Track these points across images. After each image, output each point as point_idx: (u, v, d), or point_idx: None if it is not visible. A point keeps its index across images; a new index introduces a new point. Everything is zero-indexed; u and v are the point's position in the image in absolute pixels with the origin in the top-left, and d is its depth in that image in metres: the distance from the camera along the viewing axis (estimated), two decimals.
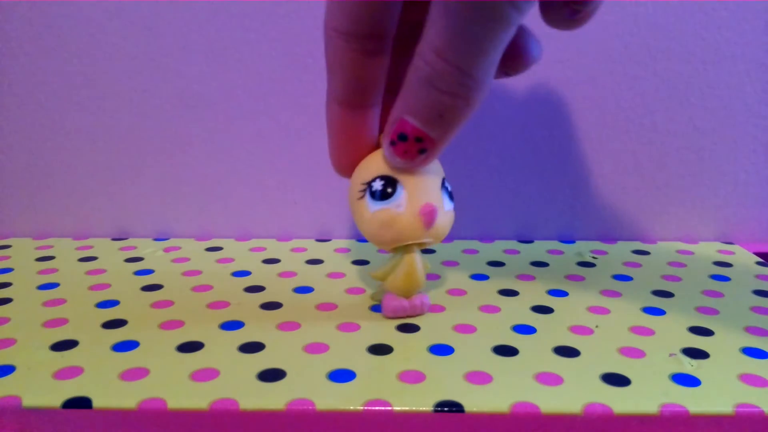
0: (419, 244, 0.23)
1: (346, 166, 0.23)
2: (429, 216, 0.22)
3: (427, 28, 0.18)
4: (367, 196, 0.22)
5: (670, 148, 0.33)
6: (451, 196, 0.23)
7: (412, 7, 0.21)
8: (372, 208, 0.22)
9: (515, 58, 0.21)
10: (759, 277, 0.29)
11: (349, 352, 0.22)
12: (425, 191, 0.22)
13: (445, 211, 0.22)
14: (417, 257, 0.23)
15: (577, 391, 0.19)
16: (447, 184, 0.23)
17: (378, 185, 0.22)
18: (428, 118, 0.20)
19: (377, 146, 0.23)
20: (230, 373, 0.20)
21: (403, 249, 0.23)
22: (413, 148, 0.20)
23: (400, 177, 0.22)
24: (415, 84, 0.19)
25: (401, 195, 0.22)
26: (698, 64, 0.32)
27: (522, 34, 0.21)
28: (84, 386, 0.19)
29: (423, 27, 0.19)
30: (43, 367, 0.20)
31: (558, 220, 0.35)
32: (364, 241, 0.34)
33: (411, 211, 0.22)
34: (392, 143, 0.21)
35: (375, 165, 0.22)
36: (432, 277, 0.29)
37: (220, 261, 0.31)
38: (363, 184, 0.22)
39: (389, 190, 0.22)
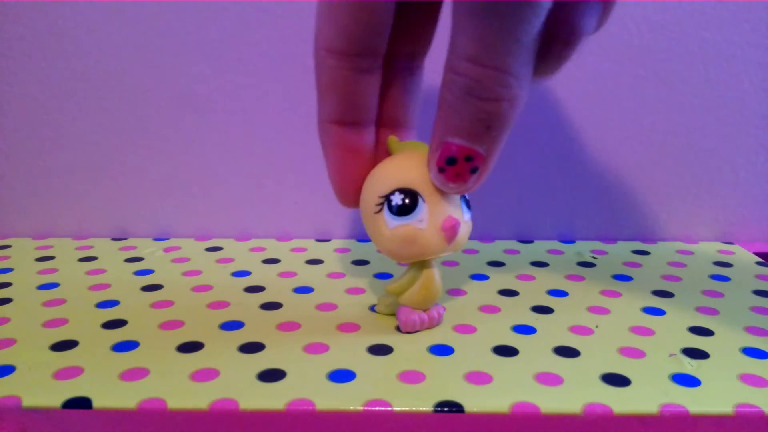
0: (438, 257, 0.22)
1: (347, 189, 0.22)
2: (452, 231, 0.21)
3: (453, 40, 0.18)
4: (385, 210, 0.21)
5: (670, 148, 0.33)
6: (468, 204, 0.22)
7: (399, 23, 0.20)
8: (391, 223, 0.21)
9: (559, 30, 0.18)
10: (759, 277, 0.29)
11: (349, 352, 0.22)
12: (447, 204, 0.21)
13: (465, 222, 0.21)
14: (436, 270, 0.22)
15: (577, 391, 0.19)
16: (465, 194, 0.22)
17: (397, 199, 0.20)
18: (475, 134, 0.18)
19: (376, 163, 0.22)
20: (230, 374, 0.20)
21: (421, 262, 0.22)
22: (465, 169, 0.19)
23: (420, 190, 0.20)
24: (453, 100, 0.18)
25: (423, 210, 0.20)
26: (698, 64, 0.32)
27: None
28: (84, 386, 0.19)
29: (408, 41, 0.18)
30: (43, 367, 0.20)
31: (558, 220, 0.35)
32: (364, 241, 0.34)
33: (433, 227, 0.20)
34: (441, 170, 0.19)
35: (393, 177, 0.21)
36: None
37: (220, 261, 0.31)
38: (380, 197, 0.21)
39: (409, 204, 0.20)
